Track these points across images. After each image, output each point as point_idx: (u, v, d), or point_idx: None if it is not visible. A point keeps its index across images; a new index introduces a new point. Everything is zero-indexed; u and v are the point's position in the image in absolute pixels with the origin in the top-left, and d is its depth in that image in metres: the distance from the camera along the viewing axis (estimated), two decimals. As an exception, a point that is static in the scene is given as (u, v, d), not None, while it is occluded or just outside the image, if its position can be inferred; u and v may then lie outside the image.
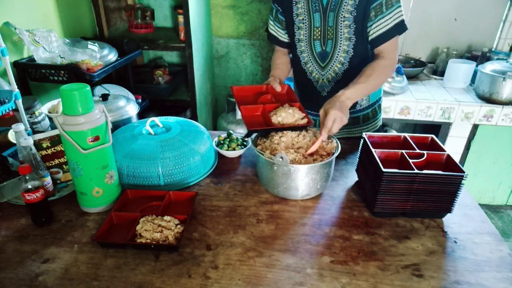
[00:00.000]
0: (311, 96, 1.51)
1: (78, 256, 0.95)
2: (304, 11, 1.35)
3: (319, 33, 1.36)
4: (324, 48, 1.38)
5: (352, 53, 1.36)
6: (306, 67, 1.47)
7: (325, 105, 1.18)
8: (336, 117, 1.13)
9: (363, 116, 1.54)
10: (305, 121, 1.24)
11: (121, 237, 0.99)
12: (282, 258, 0.95)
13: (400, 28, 1.29)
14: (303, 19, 1.36)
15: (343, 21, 1.31)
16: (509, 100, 2.32)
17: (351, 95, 1.21)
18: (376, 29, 1.30)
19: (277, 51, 1.58)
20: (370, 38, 1.33)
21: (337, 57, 1.38)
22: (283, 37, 1.51)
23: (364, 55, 1.38)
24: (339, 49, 1.36)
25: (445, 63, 2.65)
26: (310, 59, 1.44)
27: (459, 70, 2.54)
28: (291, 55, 1.57)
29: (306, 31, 1.38)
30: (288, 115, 1.23)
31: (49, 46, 1.90)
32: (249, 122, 1.24)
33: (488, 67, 2.43)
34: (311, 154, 1.15)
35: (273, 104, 1.31)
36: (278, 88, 1.37)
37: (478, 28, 2.83)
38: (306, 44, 1.41)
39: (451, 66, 2.56)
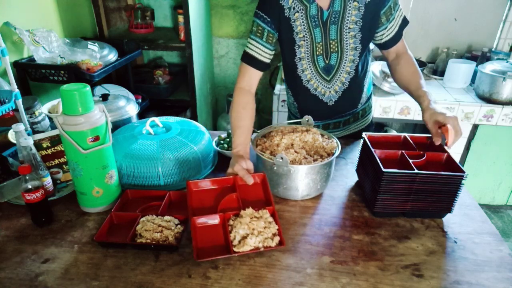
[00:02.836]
0: (317, 108, 1.48)
1: (78, 256, 0.95)
2: (304, 28, 1.32)
3: (321, 47, 1.34)
4: (327, 62, 1.36)
5: (358, 61, 1.37)
6: (310, 84, 1.43)
7: (433, 115, 1.16)
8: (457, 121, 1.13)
9: (362, 110, 1.55)
10: (277, 239, 0.94)
11: (121, 237, 0.98)
12: (282, 258, 0.95)
13: (405, 23, 1.33)
14: (303, 36, 1.33)
15: (348, 32, 1.30)
16: (509, 100, 2.32)
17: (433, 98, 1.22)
18: (388, 31, 1.32)
19: (239, 91, 1.32)
20: (383, 41, 1.34)
21: (343, 68, 1.37)
22: (264, 55, 1.33)
23: (365, 59, 1.40)
24: (346, 60, 1.35)
25: (445, 63, 2.65)
26: (314, 76, 1.41)
27: (459, 70, 2.54)
28: (284, 80, 1.49)
29: (308, 48, 1.35)
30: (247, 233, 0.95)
31: (49, 46, 1.90)
32: (198, 251, 0.92)
33: (488, 67, 2.42)
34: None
35: (234, 211, 1.00)
36: (249, 181, 1.08)
37: (478, 28, 2.82)
38: (309, 62, 1.38)
39: (451, 66, 2.56)
